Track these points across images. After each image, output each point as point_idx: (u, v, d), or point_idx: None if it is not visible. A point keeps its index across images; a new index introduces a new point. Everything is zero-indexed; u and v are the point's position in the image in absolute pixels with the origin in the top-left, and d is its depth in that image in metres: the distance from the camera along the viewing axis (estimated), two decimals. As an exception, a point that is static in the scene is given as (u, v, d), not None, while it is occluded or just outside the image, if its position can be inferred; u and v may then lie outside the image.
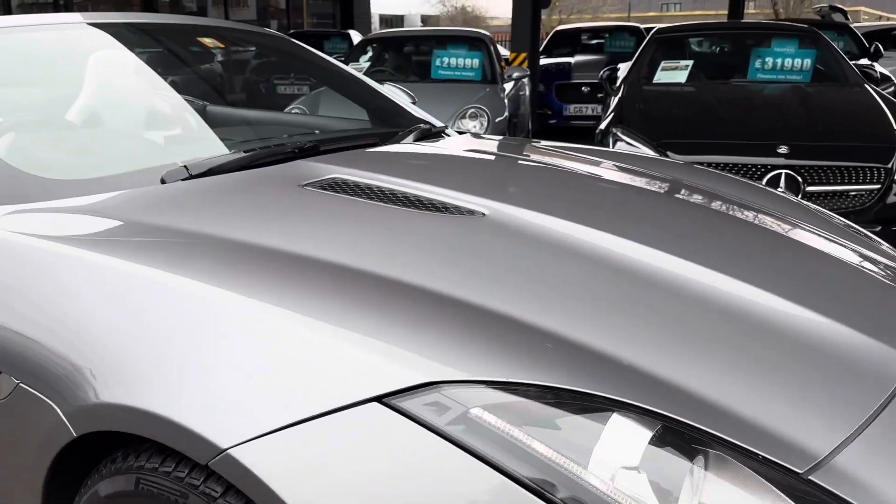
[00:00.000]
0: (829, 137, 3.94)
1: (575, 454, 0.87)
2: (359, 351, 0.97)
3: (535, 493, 0.85)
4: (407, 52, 7.17)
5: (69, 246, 1.25)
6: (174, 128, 2.21)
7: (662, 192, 1.86)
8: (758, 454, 0.92)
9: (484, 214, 1.46)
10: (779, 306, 1.23)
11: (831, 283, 1.45)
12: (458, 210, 1.47)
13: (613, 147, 4.28)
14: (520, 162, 2.10)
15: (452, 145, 2.20)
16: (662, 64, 5.42)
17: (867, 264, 1.62)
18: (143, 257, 1.19)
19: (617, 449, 0.88)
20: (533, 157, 2.17)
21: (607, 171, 2.02)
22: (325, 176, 1.65)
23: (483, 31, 7.34)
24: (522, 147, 2.35)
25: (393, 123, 2.54)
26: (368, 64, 6.90)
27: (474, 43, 6.74)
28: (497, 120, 5.60)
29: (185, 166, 1.64)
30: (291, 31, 16.43)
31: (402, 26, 64.51)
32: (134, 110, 2.20)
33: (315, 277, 1.14)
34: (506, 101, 6.06)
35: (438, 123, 2.56)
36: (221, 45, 2.71)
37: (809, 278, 1.44)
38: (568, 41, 11.64)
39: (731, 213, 1.77)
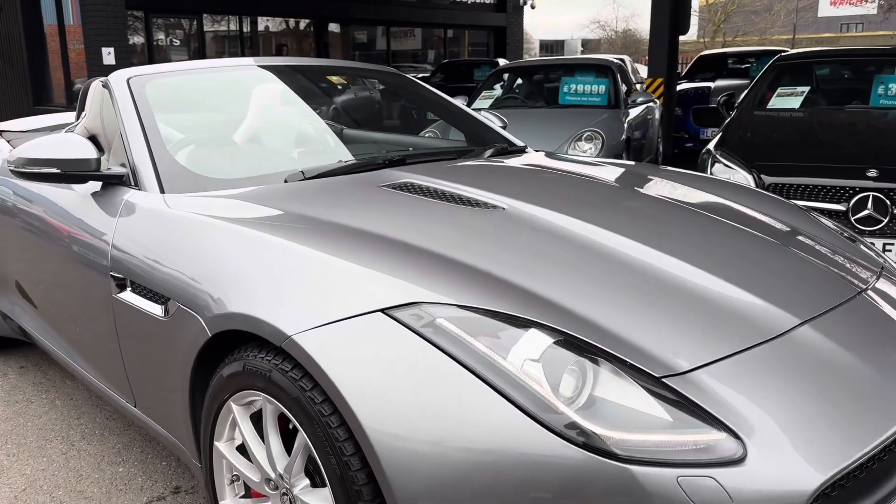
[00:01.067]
0: (924, 161, 4.00)
1: (500, 350, 1.35)
2: (376, 283, 1.50)
3: (471, 371, 1.33)
4: (537, 80, 7.67)
5: (217, 219, 1.89)
6: (308, 145, 2.86)
7: (655, 196, 2.27)
8: (627, 360, 1.35)
9: (504, 209, 1.95)
10: (692, 275, 1.65)
11: (758, 263, 1.82)
12: (485, 205, 1.98)
13: (711, 168, 4.55)
14: (553, 172, 2.56)
15: (515, 161, 2.69)
16: (779, 89, 5.56)
17: (815, 251, 1.97)
18: (262, 227, 1.80)
19: (528, 349, 1.35)
20: (567, 169, 2.62)
21: (626, 180, 2.45)
22: (398, 180, 2.21)
23: (610, 58, 7.70)
24: (568, 162, 2.81)
25: (484, 143, 3.08)
26: (500, 91, 7.48)
27: (601, 70, 7.13)
28: (612, 143, 5.97)
29: (302, 171, 2.27)
30: (445, 60, 17.47)
31: (563, 52, 64.75)
32: (279, 131, 2.88)
33: (367, 241, 1.70)
34: (625, 125, 6.40)
35: (519, 143, 3.06)
36: (344, 81, 3.37)
37: (738, 257, 1.83)
38: (712, 65, 11.67)
39: (699, 208, 2.17)
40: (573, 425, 1.27)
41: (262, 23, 16.35)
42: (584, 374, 1.34)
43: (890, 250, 3.84)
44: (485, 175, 2.44)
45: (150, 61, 13.27)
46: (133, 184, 2.22)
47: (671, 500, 1.21)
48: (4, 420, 2.89)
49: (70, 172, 2.20)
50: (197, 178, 2.21)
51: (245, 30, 15.82)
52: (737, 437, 1.27)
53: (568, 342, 1.38)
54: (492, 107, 7.12)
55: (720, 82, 10.23)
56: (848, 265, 1.93)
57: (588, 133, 5.87)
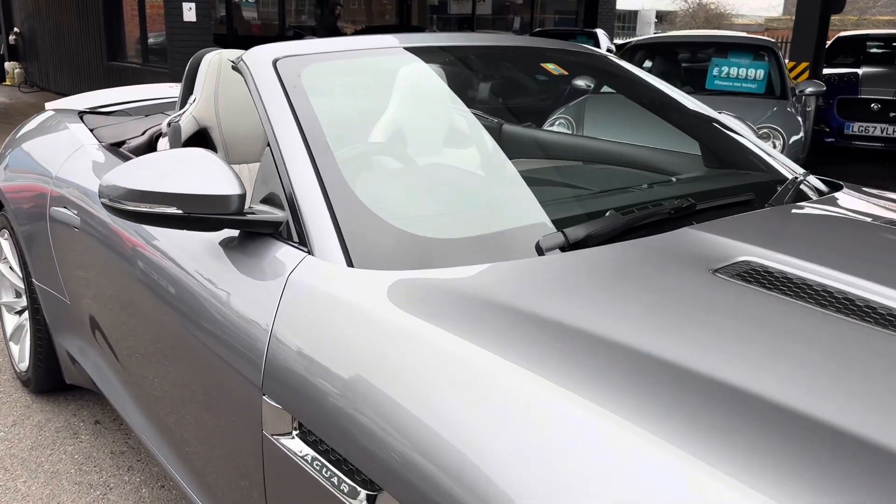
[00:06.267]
0: None
1: None
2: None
3: None
4: (677, 60, 6.63)
5: (470, 344, 1.03)
6: (539, 177, 1.96)
7: None
8: None
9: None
10: None
11: None
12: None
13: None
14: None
15: (848, 210, 1.75)
16: None
17: None
18: (545, 365, 0.95)
19: None
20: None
21: None
22: (733, 258, 1.32)
23: (770, 39, 6.60)
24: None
25: (729, 163, 2.16)
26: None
27: (760, 52, 6.07)
28: (792, 141, 4.94)
29: (562, 233, 1.39)
30: (536, 29, 16.34)
31: (636, 22, 62.46)
32: (488, 157, 1.99)
33: (736, 406, 0.83)
34: (800, 119, 5.35)
35: (799, 170, 2.12)
36: (565, 72, 2.49)
37: None
38: (851, 49, 10.35)
39: None
40: None
41: (342, -20, 15.45)
42: None
43: None
44: (851, 249, 1.49)
45: (228, 18, 12.52)
46: (296, 239, 1.38)
47: None
48: (76, 514, 2.14)
49: (196, 214, 1.37)
50: (402, 240, 1.35)
51: (325, -13, 14.96)
52: None
53: None
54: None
55: (867, 69, 8.99)
56: None
57: (765, 130, 4.85)
